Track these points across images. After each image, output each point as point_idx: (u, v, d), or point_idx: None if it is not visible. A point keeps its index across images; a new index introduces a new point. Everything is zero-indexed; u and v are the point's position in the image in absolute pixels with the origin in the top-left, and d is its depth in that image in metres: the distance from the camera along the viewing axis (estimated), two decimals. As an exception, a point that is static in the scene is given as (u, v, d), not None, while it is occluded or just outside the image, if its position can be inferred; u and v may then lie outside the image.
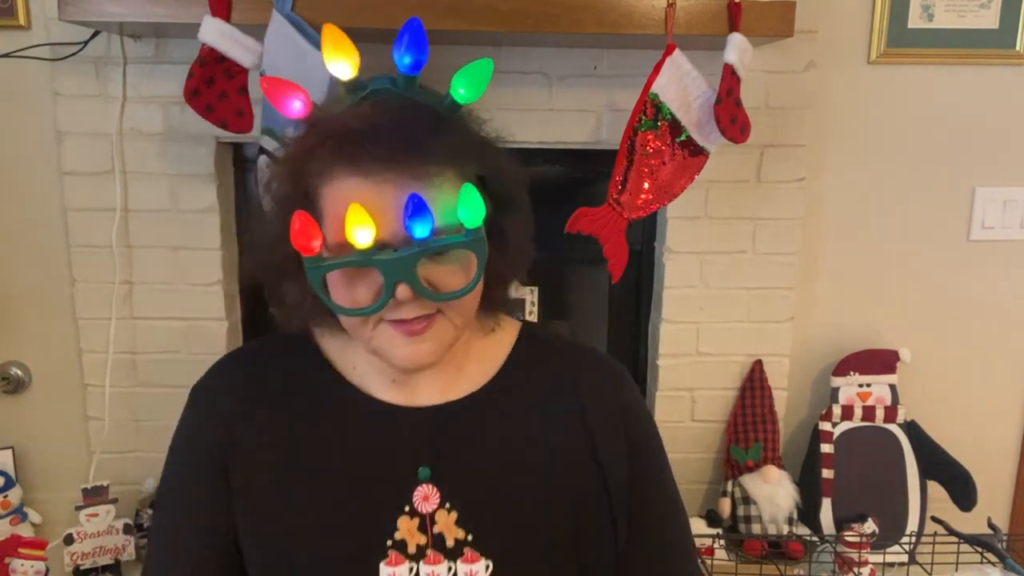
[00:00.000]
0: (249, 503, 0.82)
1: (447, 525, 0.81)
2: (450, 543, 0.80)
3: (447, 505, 0.81)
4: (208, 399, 0.88)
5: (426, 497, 0.81)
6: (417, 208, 0.68)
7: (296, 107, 0.76)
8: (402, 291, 0.72)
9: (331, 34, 0.74)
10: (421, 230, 0.70)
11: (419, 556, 0.80)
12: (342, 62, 0.75)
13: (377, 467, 0.82)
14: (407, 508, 0.81)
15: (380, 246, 0.71)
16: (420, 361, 0.77)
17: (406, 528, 0.80)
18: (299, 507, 0.81)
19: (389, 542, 0.80)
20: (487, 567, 0.80)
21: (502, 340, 0.91)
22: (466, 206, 0.71)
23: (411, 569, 0.79)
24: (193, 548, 0.83)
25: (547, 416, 0.87)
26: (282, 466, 0.83)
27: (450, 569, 0.80)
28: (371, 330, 0.77)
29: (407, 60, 0.74)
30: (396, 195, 0.70)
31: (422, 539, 0.80)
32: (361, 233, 0.69)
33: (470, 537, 0.81)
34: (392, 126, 0.72)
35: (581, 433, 0.86)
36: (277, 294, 0.84)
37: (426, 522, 0.81)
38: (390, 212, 0.71)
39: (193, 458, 0.86)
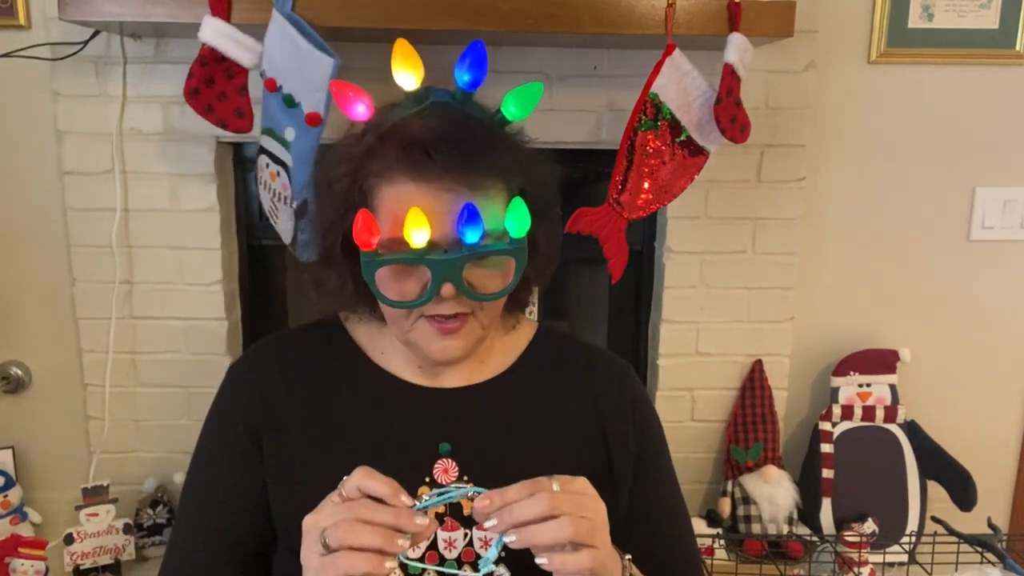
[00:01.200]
0: (280, 471, 0.87)
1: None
2: (467, 511, 0.84)
3: (465, 478, 0.86)
4: (243, 376, 0.93)
5: (445, 470, 0.87)
6: (471, 216, 0.75)
7: (360, 110, 0.82)
8: (447, 289, 0.78)
9: (401, 48, 0.81)
10: (472, 236, 0.76)
11: (437, 523, 0.85)
12: (409, 74, 0.81)
13: (401, 441, 0.88)
14: (427, 479, 0.86)
15: (431, 246, 0.77)
16: (451, 355, 0.84)
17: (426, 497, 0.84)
18: (326, 475, 0.85)
19: None
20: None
21: (521, 336, 0.98)
22: (514, 218, 0.78)
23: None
24: (224, 513, 0.89)
25: (560, 402, 0.93)
26: (312, 437, 0.88)
27: (466, 535, 0.85)
28: (410, 323, 0.84)
29: (467, 77, 0.81)
30: (452, 202, 0.77)
31: (441, 508, 0.85)
32: (418, 234, 0.76)
33: None
34: (453, 138, 0.78)
35: (592, 420, 0.93)
36: (318, 279, 0.90)
37: None
38: (445, 217, 0.77)
39: (227, 430, 0.91)
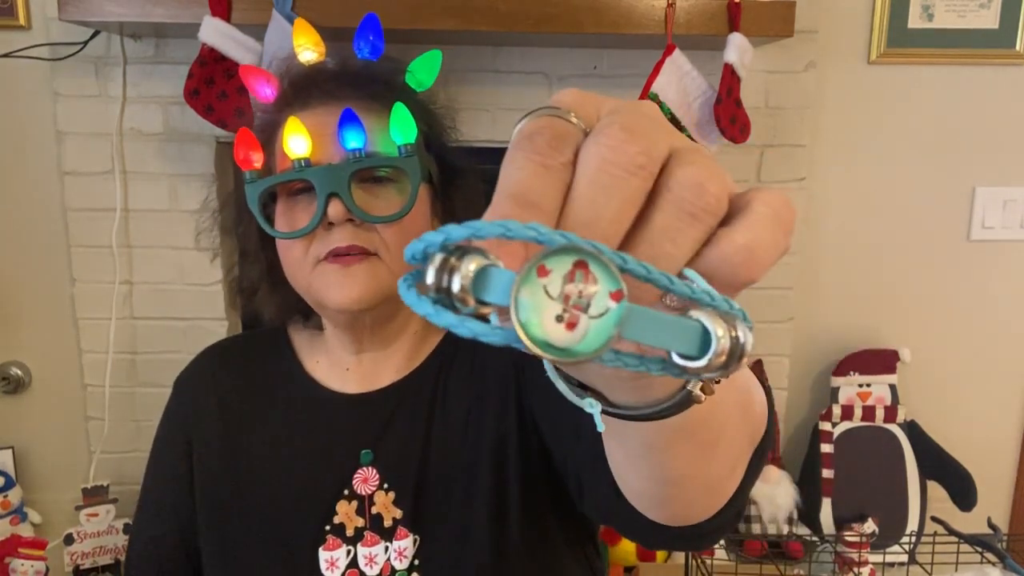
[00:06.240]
0: (203, 487, 0.87)
1: (385, 505, 0.81)
2: (387, 523, 0.81)
3: (385, 486, 0.82)
4: (183, 387, 0.93)
5: (365, 479, 0.82)
6: (349, 118, 0.73)
7: (267, 92, 0.84)
8: (335, 208, 0.74)
9: (301, 26, 0.85)
10: (353, 140, 0.74)
11: (357, 539, 0.81)
12: (309, 50, 0.84)
13: (321, 454, 0.84)
14: (346, 492, 0.82)
15: (316, 165, 0.75)
16: (352, 297, 0.76)
17: (344, 512, 0.82)
18: (244, 493, 0.85)
19: (328, 527, 0.81)
20: (415, 541, 0.81)
21: None
22: (397, 123, 0.75)
23: (348, 552, 0.81)
24: (163, 530, 0.88)
25: (483, 394, 0.84)
26: (232, 452, 0.86)
27: (387, 549, 0.80)
28: (310, 272, 0.78)
29: (366, 50, 0.84)
30: (334, 118, 0.75)
31: (360, 521, 0.81)
32: (296, 141, 0.73)
33: (401, 514, 0.81)
34: (338, 66, 0.81)
35: (515, 411, 0.82)
36: (242, 282, 0.91)
37: (364, 504, 0.82)
38: (328, 135, 0.76)
39: (167, 444, 0.91)
